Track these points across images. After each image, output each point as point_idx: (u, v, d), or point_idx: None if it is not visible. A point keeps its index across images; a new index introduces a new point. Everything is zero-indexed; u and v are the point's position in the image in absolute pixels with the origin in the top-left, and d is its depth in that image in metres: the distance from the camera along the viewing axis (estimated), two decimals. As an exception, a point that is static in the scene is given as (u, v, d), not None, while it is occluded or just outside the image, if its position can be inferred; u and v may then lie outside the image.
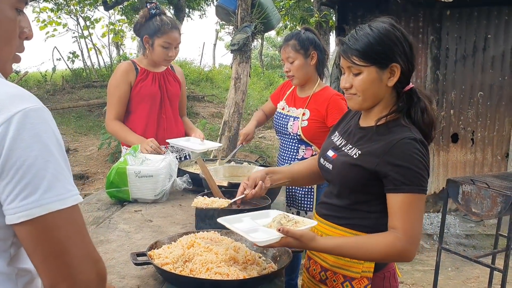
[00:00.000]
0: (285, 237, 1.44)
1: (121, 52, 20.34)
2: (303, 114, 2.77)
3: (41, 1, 14.36)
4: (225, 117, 4.46)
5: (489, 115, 5.62)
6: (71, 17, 14.71)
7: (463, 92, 5.61)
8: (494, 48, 5.50)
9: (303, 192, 2.85)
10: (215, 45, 23.47)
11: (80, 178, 5.61)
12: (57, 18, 14.42)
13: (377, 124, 1.58)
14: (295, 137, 2.81)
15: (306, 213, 2.84)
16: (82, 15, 14.92)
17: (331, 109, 2.70)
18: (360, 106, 1.62)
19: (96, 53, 16.51)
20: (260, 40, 22.87)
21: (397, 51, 1.53)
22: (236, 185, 2.28)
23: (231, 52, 4.39)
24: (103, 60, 16.99)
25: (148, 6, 2.87)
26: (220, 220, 1.66)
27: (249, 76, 4.35)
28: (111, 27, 16.11)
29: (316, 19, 8.02)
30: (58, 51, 14.29)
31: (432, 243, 5.09)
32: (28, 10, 13.71)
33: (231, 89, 4.44)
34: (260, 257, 1.68)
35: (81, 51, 14.83)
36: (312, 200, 2.83)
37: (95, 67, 15.69)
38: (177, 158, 2.98)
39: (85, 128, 8.62)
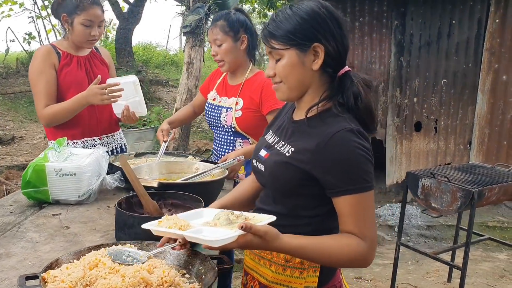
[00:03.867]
0: (245, 235, 1.21)
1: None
2: (236, 103, 2.52)
3: (-5, -22, 13.54)
4: (177, 104, 4.16)
5: (453, 103, 5.51)
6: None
7: (427, 80, 5.48)
8: (458, 34, 5.36)
9: None
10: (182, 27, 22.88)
11: (23, 169, 5.23)
12: None
13: (308, 115, 1.40)
14: (230, 130, 2.55)
15: None
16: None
17: (265, 95, 2.45)
18: (288, 96, 1.44)
19: (55, 35, 15.79)
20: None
21: (319, 31, 1.35)
22: (169, 186, 2.04)
23: (183, 35, 4.09)
24: (62, 42, 16.24)
25: None
26: (146, 226, 1.43)
27: (203, 60, 4.07)
28: (71, 7, 15.46)
29: (284, 2, 7.76)
30: (12, 32, 13.56)
31: (393, 235, 4.96)
32: None
33: (183, 75, 4.14)
34: (184, 275, 1.44)
35: (38, 32, 14.10)
36: None
37: (53, 49, 14.96)
38: (109, 153, 2.71)
39: (35, 114, 8.15)
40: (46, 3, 14.21)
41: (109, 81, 2.55)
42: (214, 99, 2.66)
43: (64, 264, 1.38)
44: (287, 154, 1.40)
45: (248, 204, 1.67)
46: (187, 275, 1.45)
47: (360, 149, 1.29)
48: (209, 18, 4.06)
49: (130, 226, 1.65)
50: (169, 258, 1.52)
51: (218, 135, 2.66)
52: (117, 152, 2.84)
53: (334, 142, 1.29)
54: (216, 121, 2.60)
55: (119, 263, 1.38)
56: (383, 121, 5.58)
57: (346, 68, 1.42)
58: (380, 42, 5.43)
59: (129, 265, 1.38)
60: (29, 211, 2.07)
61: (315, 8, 1.36)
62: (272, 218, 1.33)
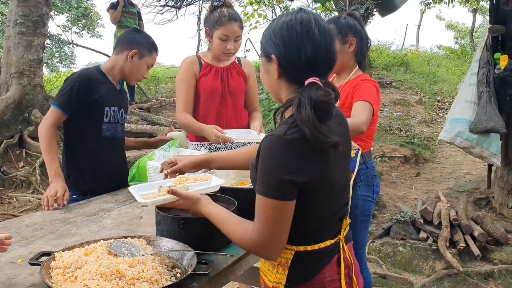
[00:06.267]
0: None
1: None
2: None
3: (244, -5, 15.37)
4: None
5: None
6: (265, 7, 15.44)
7: None
8: None
9: None
10: (419, 26, 21.92)
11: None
12: (260, 10, 15.33)
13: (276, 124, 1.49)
14: None
15: None
16: (280, 5, 15.52)
17: (356, 90, 2.48)
18: (274, 99, 1.60)
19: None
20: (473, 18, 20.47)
21: (274, 41, 1.43)
22: (235, 191, 2.13)
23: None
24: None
25: None
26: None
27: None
28: (309, 15, 16.46)
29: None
30: (251, 42, 15.21)
31: None
32: (234, 5, 14.90)
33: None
34: (175, 273, 1.55)
35: (273, 41, 15.48)
36: None
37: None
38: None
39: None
40: (285, 12, 15.49)
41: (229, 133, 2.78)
42: None
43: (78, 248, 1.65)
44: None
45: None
46: (178, 274, 1.56)
47: (271, 156, 1.33)
48: (369, 20, 3.90)
49: (159, 222, 1.83)
50: (175, 257, 1.64)
51: None
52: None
53: (261, 146, 1.37)
54: None
55: (115, 254, 1.58)
56: None
57: (310, 80, 1.37)
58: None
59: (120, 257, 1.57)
60: (129, 201, 2.44)
61: (280, 18, 1.44)
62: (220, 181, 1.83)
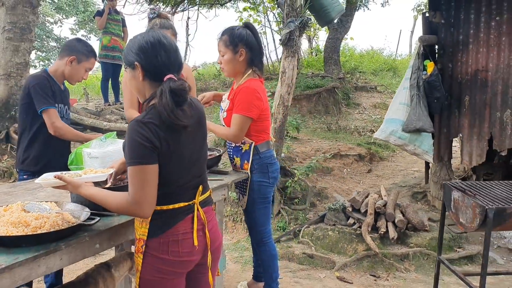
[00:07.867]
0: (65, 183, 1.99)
1: (313, 44, 21.15)
2: (226, 105, 2.95)
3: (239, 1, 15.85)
4: (272, 110, 4.66)
5: None
6: (257, 13, 15.92)
7: None
8: None
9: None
10: (412, 32, 22.33)
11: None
12: (256, 16, 15.80)
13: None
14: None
15: (243, 196, 3.07)
16: (274, 11, 15.98)
17: (236, 99, 2.87)
18: (140, 100, 1.99)
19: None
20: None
21: (136, 53, 1.87)
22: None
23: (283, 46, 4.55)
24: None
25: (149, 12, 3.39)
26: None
27: (297, 69, 4.44)
28: (302, 20, 16.89)
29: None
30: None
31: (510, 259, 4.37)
32: (230, 11, 15.25)
33: (278, 83, 4.58)
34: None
35: (264, 46, 15.95)
36: (246, 184, 3.01)
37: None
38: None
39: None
40: (279, 19, 15.98)
41: None
42: (223, 101, 3.15)
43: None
44: None
45: None
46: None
47: (132, 134, 1.76)
48: (305, 31, 4.37)
49: (71, 192, 2.34)
50: (78, 216, 2.14)
51: None
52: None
53: (127, 130, 1.81)
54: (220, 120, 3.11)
55: (27, 211, 2.10)
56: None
57: (167, 76, 1.85)
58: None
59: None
60: (67, 181, 2.97)
61: (136, 37, 1.92)
62: (102, 175, 2.20)
